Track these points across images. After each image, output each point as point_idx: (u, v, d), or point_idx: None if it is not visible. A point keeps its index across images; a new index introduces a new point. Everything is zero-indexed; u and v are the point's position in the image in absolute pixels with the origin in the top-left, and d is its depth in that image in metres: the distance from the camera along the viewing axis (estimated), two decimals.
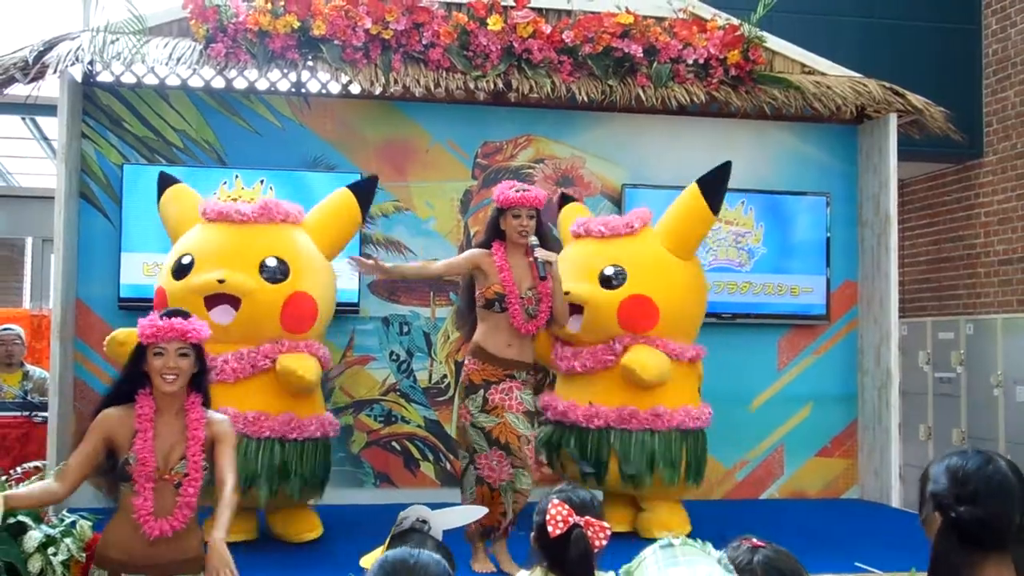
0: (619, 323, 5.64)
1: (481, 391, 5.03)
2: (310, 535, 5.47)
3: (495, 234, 5.18)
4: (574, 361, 5.74)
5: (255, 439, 5.10)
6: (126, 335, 5.19)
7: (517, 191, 5.09)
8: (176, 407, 3.62)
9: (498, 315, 5.07)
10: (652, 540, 2.35)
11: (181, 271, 5.25)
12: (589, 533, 2.62)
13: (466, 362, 5.17)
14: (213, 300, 5.14)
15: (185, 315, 3.66)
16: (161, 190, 5.71)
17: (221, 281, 5.11)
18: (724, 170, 5.75)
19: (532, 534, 2.72)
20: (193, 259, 5.26)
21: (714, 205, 5.71)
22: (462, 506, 2.97)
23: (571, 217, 6.15)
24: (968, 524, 2.18)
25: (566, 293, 5.38)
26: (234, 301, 5.18)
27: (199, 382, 3.69)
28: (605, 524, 2.67)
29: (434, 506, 2.88)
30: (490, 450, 4.98)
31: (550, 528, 2.62)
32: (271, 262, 5.27)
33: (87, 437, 3.62)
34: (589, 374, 5.71)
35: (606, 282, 5.68)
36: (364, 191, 5.71)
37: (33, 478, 3.95)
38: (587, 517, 2.65)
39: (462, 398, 5.13)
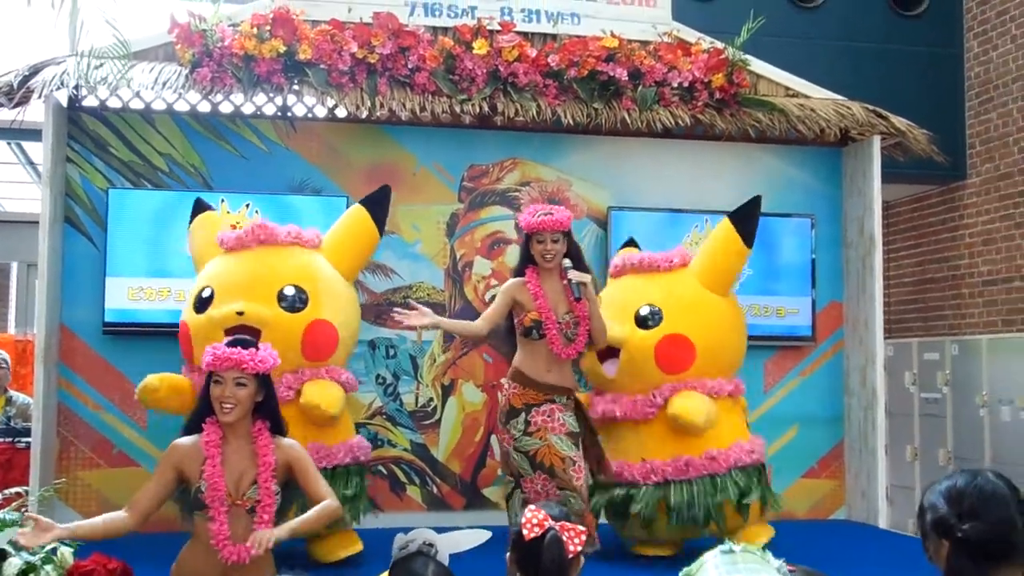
0: (656, 364, 5.52)
1: (523, 414, 5.07)
2: (350, 551, 5.38)
3: (528, 260, 5.20)
4: (613, 405, 5.58)
5: None
6: (158, 381, 5.21)
7: (539, 216, 5.08)
8: (243, 434, 3.64)
9: (536, 342, 5.10)
10: None
11: (202, 304, 5.24)
12: (564, 537, 2.63)
13: (505, 386, 5.19)
14: (232, 332, 5.00)
15: (250, 344, 3.67)
16: (193, 217, 5.68)
17: (240, 313, 5.08)
18: (755, 203, 5.76)
19: (507, 553, 2.71)
20: (213, 291, 5.24)
21: (747, 238, 5.68)
22: (468, 529, 2.99)
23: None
24: (975, 540, 2.19)
25: None
26: (255, 333, 5.09)
27: (266, 409, 3.70)
28: (581, 528, 2.67)
29: (412, 530, 2.87)
30: (534, 474, 5.01)
31: (525, 532, 2.62)
32: (289, 291, 5.25)
33: (158, 469, 3.68)
34: (627, 422, 5.57)
35: (642, 322, 5.58)
36: (378, 204, 5.68)
37: (14, 504, 3.92)
38: (562, 522, 2.66)
39: (503, 423, 5.15)
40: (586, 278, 5.12)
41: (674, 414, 5.34)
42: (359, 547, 5.41)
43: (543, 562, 2.60)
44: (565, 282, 5.10)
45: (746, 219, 5.70)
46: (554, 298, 5.13)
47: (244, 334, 5.04)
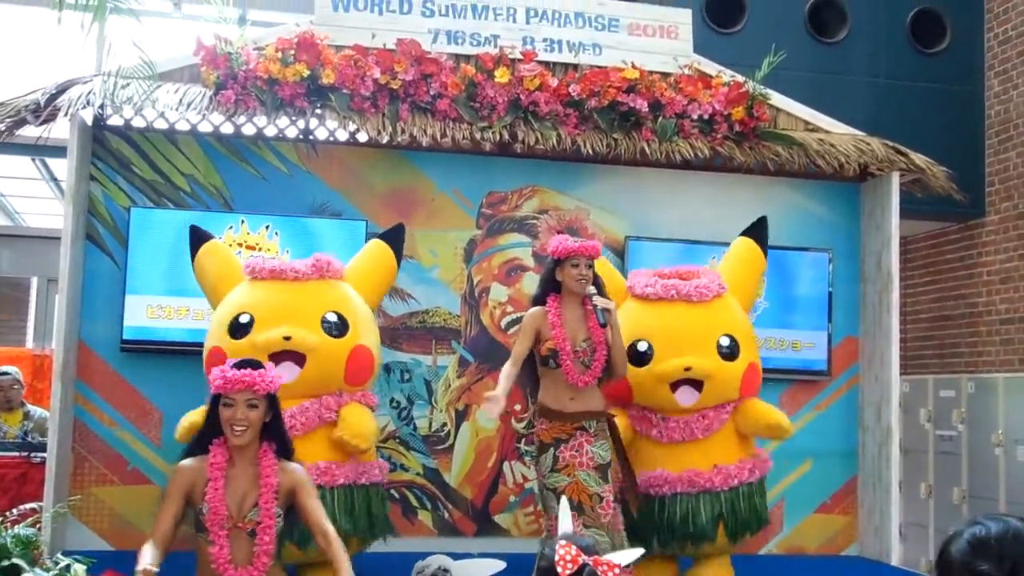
0: (741, 393, 5.87)
1: (551, 450, 5.11)
2: None
3: (551, 287, 5.27)
4: (695, 426, 5.73)
5: (328, 488, 5.11)
6: (199, 416, 5.22)
7: (575, 241, 5.22)
8: (249, 456, 3.64)
9: (554, 371, 5.16)
10: None
11: (239, 330, 5.24)
12: (599, 571, 2.61)
13: (535, 423, 5.26)
14: (277, 357, 5.11)
15: (257, 365, 3.68)
16: (195, 244, 5.71)
17: (287, 338, 5.12)
18: (763, 222, 6.30)
19: None
20: (252, 317, 5.25)
21: (765, 253, 6.26)
22: (484, 558, 3.00)
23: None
24: None
25: (687, 368, 5.54)
26: (298, 358, 5.18)
27: (273, 431, 3.71)
28: (615, 562, 2.65)
29: (430, 555, 2.88)
30: None
31: (559, 569, 2.60)
32: (331, 317, 5.32)
33: (168, 494, 3.67)
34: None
35: (727, 355, 5.77)
36: (396, 239, 5.91)
37: (30, 519, 3.94)
38: (595, 556, 2.64)
39: (533, 459, 5.24)
40: (611, 304, 5.22)
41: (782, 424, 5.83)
42: None
43: None
44: (590, 307, 5.16)
45: (762, 235, 6.27)
46: (573, 326, 5.19)
47: (288, 359, 5.10)
